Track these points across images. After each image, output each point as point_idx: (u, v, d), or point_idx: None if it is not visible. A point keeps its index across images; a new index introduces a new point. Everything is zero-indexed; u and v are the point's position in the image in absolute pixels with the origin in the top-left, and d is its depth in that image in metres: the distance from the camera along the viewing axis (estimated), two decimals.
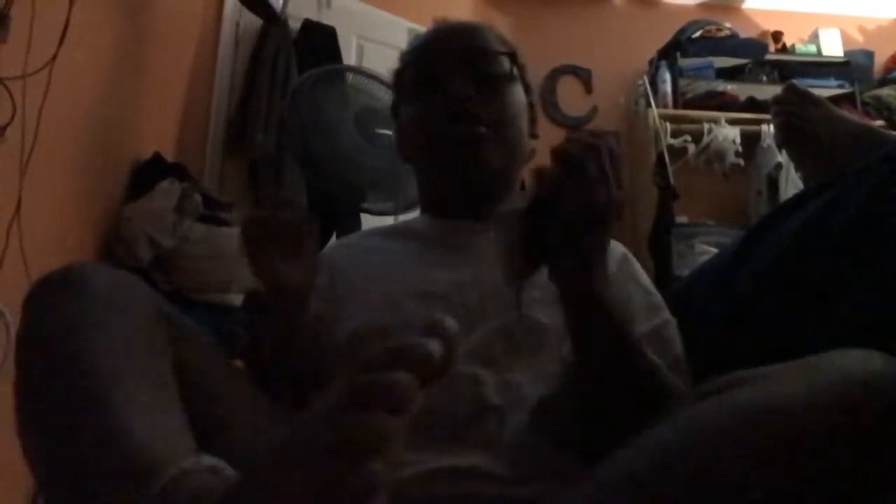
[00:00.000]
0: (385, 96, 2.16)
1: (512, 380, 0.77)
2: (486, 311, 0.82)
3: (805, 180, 3.35)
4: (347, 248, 1.04)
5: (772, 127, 3.61)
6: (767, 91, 3.84)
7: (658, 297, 0.90)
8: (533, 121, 1.04)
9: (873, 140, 1.11)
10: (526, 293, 0.69)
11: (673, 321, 0.87)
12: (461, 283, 0.85)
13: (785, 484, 0.48)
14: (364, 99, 2.24)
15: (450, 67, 0.94)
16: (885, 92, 3.84)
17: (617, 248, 0.94)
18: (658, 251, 3.31)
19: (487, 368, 0.77)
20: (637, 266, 0.95)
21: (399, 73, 1.05)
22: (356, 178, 2.18)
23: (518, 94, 0.99)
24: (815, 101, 1.20)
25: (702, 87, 3.81)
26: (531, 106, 1.03)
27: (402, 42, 3.22)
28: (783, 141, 1.24)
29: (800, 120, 1.18)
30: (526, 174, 0.95)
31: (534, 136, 1.04)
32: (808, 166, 1.26)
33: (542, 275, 0.68)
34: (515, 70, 0.99)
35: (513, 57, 0.99)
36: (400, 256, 0.95)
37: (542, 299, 0.79)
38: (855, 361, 0.52)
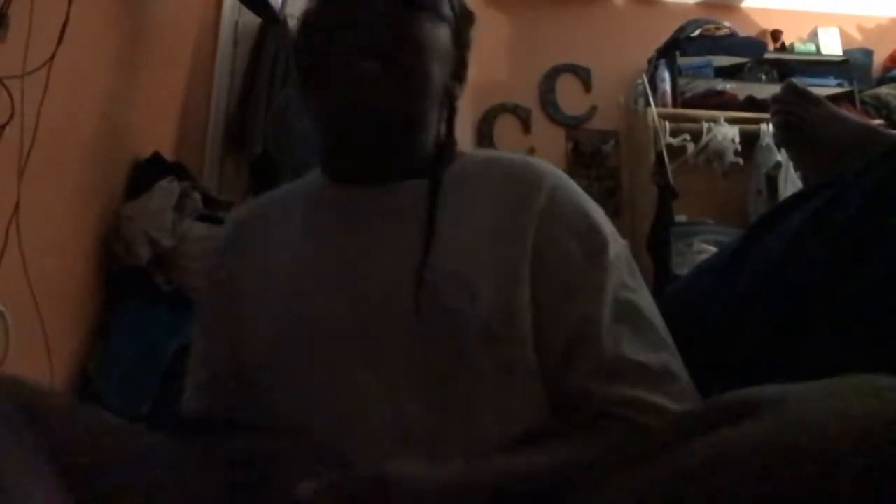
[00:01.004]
0: None
1: (412, 411, 0.65)
2: (383, 319, 0.69)
3: (804, 179, 3.35)
4: (242, 235, 0.86)
5: (771, 126, 3.62)
6: (766, 90, 3.84)
7: (602, 244, 0.72)
8: (458, 76, 0.82)
9: (873, 139, 1.11)
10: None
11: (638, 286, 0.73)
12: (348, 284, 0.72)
13: None
14: None
15: None
16: (884, 91, 3.84)
17: (519, 182, 0.75)
18: (657, 250, 3.31)
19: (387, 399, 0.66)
20: (560, 203, 0.74)
21: None
22: None
23: (441, 32, 0.77)
24: (815, 100, 1.20)
25: (701, 86, 3.81)
26: (461, 64, 0.82)
27: None
28: (783, 140, 1.24)
29: (799, 119, 1.18)
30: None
31: (453, 95, 0.82)
32: (808, 165, 1.26)
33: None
34: (453, 14, 0.79)
35: (461, 13, 0.81)
36: (293, 250, 0.78)
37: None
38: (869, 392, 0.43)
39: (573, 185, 0.78)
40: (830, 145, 1.14)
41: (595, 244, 0.72)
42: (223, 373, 0.79)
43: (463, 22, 0.81)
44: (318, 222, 0.79)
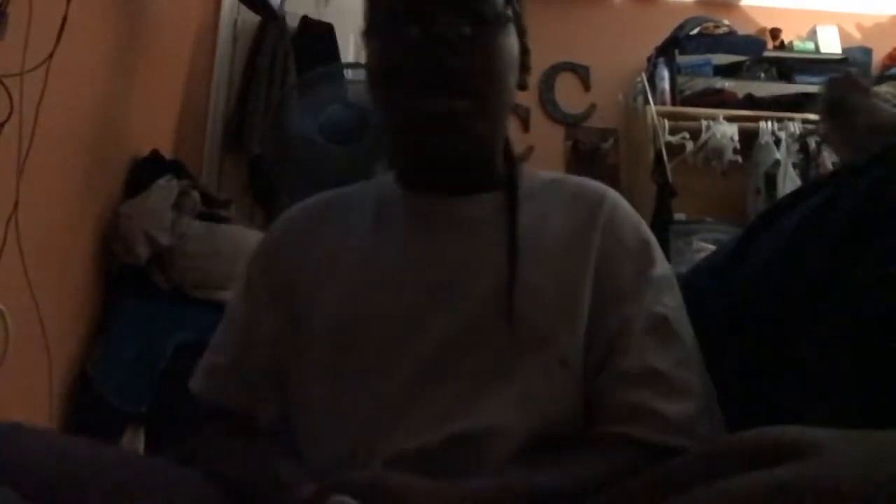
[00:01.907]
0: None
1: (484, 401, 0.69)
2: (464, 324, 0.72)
3: (803, 177, 3.36)
4: (297, 231, 0.87)
5: (769, 124, 3.64)
6: (765, 88, 3.85)
7: (651, 261, 0.78)
8: (524, 68, 0.85)
9: None
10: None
11: (677, 304, 0.77)
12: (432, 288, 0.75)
13: None
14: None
15: (429, 2, 0.73)
16: (883, 89, 3.82)
17: (587, 198, 0.81)
18: None
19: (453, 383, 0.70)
20: (620, 220, 0.80)
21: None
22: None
23: (511, 39, 0.79)
24: (865, 90, 1.24)
25: (700, 84, 3.81)
26: (524, 52, 0.84)
27: None
28: (825, 115, 1.30)
29: (846, 103, 1.23)
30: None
31: (522, 87, 0.85)
32: (843, 151, 1.30)
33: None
34: (512, 9, 0.79)
35: (516, 12, 0.80)
36: (358, 250, 0.80)
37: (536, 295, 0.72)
38: None
39: (630, 207, 0.84)
40: (869, 129, 1.18)
41: (644, 261, 0.78)
42: (247, 359, 0.81)
43: (521, 7, 0.82)
44: (391, 223, 0.81)
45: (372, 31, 0.80)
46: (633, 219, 0.82)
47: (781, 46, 4.09)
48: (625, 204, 0.83)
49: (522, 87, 0.85)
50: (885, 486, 0.39)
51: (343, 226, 0.84)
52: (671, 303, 0.76)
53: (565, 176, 0.88)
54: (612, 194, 0.83)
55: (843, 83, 1.29)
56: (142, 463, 0.73)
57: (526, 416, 0.68)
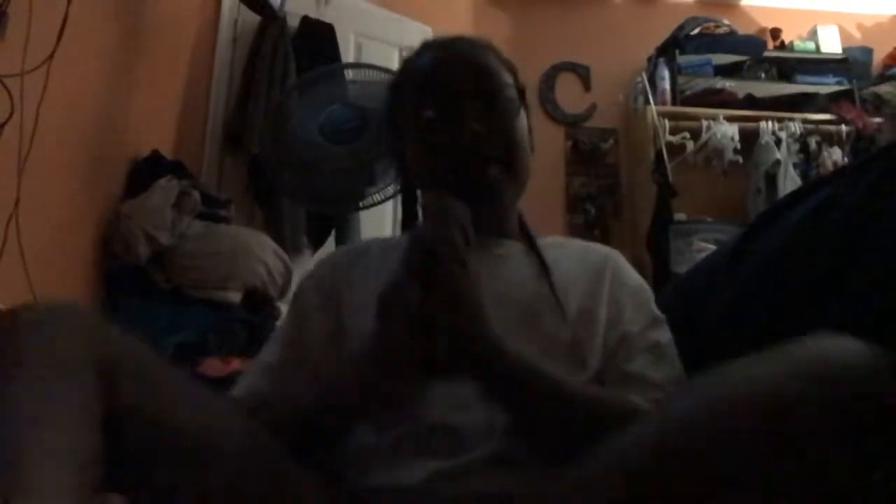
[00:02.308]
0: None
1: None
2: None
3: (804, 176, 3.35)
4: (347, 262, 1.00)
5: (770, 123, 3.64)
6: (766, 88, 3.86)
7: (647, 299, 0.91)
8: (531, 136, 1.01)
9: None
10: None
11: (669, 339, 0.87)
12: None
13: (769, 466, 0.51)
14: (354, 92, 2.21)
15: (457, 100, 0.90)
16: (883, 89, 3.84)
17: (595, 252, 0.96)
18: (656, 248, 3.31)
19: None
20: (623, 267, 0.94)
21: (398, 91, 0.99)
22: (350, 187, 2.14)
23: (523, 121, 0.96)
24: None
25: (700, 84, 3.82)
26: (529, 127, 1.00)
27: (401, 39, 3.22)
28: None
29: None
30: None
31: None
32: None
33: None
34: (520, 99, 0.97)
35: (521, 90, 0.97)
36: None
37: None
38: (830, 346, 0.55)
39: (627, 263, 0.97)
40: None
41: (644, 302, 0.90)
42: (294, 357, 0.89)
43: (523, 95, 0.98)
44: None
45: (403, 127, 0.97)
46: (634, 272, 0.95)
47: (782, 46, 4.09)
48: (624, 261, 0.96)
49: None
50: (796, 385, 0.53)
51: (380, 265, 0.93)
52: (664, 337, 0.87)
53: (567, 238, 1.03)
54: (616, 252, 0.96)
55: None
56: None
57: None
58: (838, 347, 0.54)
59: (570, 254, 0.94)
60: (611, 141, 4.06)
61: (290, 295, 0.95)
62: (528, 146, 0.96)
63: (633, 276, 0.93)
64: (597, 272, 0.91)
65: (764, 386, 0.53)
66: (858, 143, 3.62)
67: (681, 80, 3.79)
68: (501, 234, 0.94)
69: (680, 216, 3.44)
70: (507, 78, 0.95)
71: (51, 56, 1.50)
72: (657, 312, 0.90)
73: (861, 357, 0.52)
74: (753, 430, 0.52)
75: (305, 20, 2.96)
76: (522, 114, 0.96)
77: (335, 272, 0.96)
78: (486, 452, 0.73)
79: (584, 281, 0.89)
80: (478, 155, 0.88)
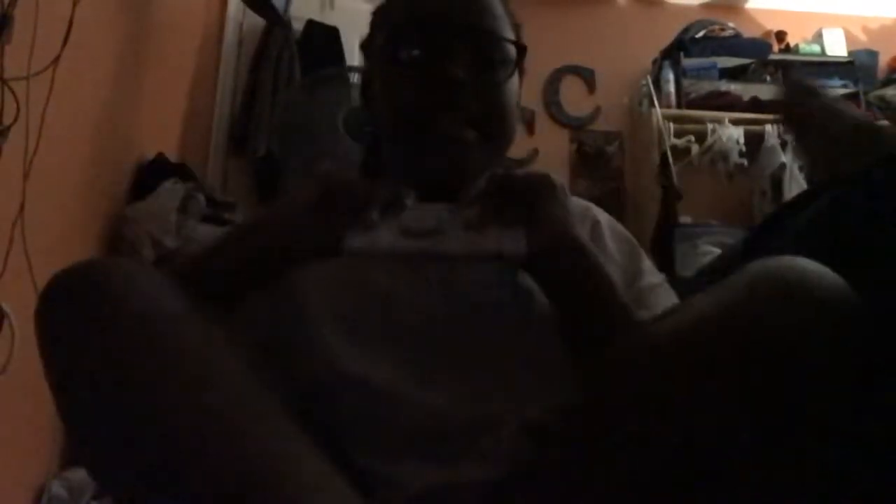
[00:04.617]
0: None
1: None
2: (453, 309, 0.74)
3: (809, 180, 3.34)
4: None
5: (775, 127, 3.62)
6: (771, 91, 3.84)
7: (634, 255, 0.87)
8: (520, 107, 0.90)
9: (871, 131, 1.12)
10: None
11: (658, 285, 0.84)
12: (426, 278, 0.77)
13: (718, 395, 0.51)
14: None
15: (448, 42, 0.77)
16: (889, 92, 3.83)
17: (587, 212, 0.88)
18: (661, 251, 3.30)
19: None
20: (609, 228, 0.88)
21: (379, 24, 0.86)
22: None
23: (514, 85, 0.83)
24: (816, 93, 1.21)
25: (705, 87, 3.80)
26: (519, 97, 0.89)
27: None
28: (793, 135, 1.27)
29: (807, 115, 1.19)
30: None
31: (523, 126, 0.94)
32: (813, 159, 1.27)
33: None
34: (518, 59, 0.83)
35: (521, 49, 0.83)
36: None
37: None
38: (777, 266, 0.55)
39: (615, 221, 0.91)
40: (836, 139, 1.15)
41: (632, 248, 0.88)
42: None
43: (522, 54, 0.84)
44: None
45: (383, 59, 0.82)
46: (617, 226, 0.90)
47: (787, 49, 4.08)
48: (601, 210, 0.91)
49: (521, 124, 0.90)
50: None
51: None
52: (656, 279, 0.85)
53: None
54: (594, 207, 0.90)
55: (798, 91, 1.24)
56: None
57: None
58: (801, 268, 0.54)
59: None
60: (615, 144, 4.06)
61: None
62: (516, 115, 0.84)
63: (616, 232, 0.88)
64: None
65: (733, 311, 0.53)
66: None
67: (686, 83, 3.78)
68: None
69: (685, 219, 3.43)
70: (509, 31, 0.82)
71: (56, 59, 1.50)
72: (647, 265, 0.86)
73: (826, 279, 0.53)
74: (728, 354, 0.51)
75: (310, 23, 2.97)
76: (516, 79, 0.83)
77: None
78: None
79: None
80: (455, 110, 0.76)
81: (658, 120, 3.57)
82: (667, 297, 0.81)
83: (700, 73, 3.83)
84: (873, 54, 4.10)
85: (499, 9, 0.82)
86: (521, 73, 0.86)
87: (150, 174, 2.13)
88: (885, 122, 3.64)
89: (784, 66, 3.92)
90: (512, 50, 0.81)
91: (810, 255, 0.82)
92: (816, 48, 4.07)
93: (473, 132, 0.77)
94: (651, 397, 0.54)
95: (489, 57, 0.79)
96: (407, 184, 0.80)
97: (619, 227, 0.90)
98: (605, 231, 0.86)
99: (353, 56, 3.07)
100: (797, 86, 1.22)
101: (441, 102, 0.76)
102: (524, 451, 0.65)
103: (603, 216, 0.89)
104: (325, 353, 0.71)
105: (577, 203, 0.86)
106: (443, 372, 0.69)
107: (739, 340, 0.51)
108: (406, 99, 0.78)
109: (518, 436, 0.66)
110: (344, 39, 2.96)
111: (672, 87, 3.77)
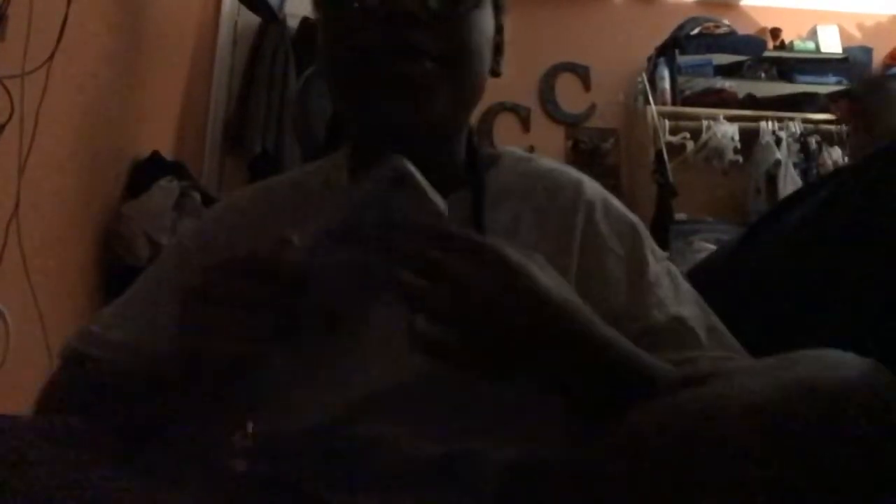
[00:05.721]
0: None
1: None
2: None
3: (804, 177, 3.35)
4: (244, 205, 0.81)
5: (770, 123, 3.64)
6: (766, 88, 3.85)
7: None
8: (498, 50, 0.79)
9: None
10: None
11: (664, 274, 0.75)
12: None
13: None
14: None
15: None
16: None
17: (576, 195, 0.77)
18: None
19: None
20: (603, 210, 0.77)
21: None
22: None
23: (485, 19, 0.73)
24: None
25: (700, 84, 3.81)
26: (500, 30, 0.79)
27: None
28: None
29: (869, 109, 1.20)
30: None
31: (496, 73, 0.78)
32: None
33: None
34: None
35: None
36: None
37: None
38: (830, 363, 0.48)
39: (612, 199, 0.81)
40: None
41: (632, 230, 0.78)
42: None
43: None
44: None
45: (328, 2, 0.73)
46: (617, 209, 0.81)
47: (782, 46, 4.09)
48: (608, 197, 0.81)
49: (496, 72, 0.78)
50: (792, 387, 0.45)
51: (284, 218, 0.74)
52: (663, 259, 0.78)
53: (541, 166, 0.82)
54: (591, 189, 0.80)
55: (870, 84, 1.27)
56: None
57: None
58: (841, 362, 0.48)
59: (531, 210, 0.75)
60: (611, 141, 4.06)
61: None
62: (487, 56, 0.74)
63: (612, 213, 0.78)
64: (563, 247, 0.72)
65: (763, 399, 0.45)
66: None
67: (681, 79, 3.79)
68: (437, 169, 0.63)
69: (680, 216, 3.44)
70: None
71: (51, 57, 1.50)
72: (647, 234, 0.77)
73: (864, 373, 0.46)
74: (751, 443, 0.44)
75: (305, 21, 2.96)
76: (489, 10, 0.74)
77: (224, 237, 0.77)
78: None
79: (549, 242, 0.72)
80: (412, 49, 0.66)
81: (653, 117, 3.58)
82: (671, 288, 0.73)
83: (695, 70, 3.84)
84: (868, 51, 4.11)
85: None
86: (497, 10, 0.77)
87: (146, 172, 2.13)
88: None
89: (779, 63, 3.93)
90: None
91: (804, 248, 0.82)
92: (811, 45, 4.08)
93: (432, 64, 0.67)
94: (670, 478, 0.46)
95: None
96: (372, 141, 0.73)
97: (617, 206, 0.80)
98: (598, 215, 0.76)
99: None
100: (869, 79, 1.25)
101: (396, 42, 0.66)
102: (503, 487, 0.61)
103: (597, 196, 0.79)
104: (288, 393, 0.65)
105: (568, 181, 0.79)
106: (419, 409, 0.64)
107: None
108: (356, 40, 0.68)
109: (496, 473, 0.62)
110: None
111: (667, 84, 3.77)
